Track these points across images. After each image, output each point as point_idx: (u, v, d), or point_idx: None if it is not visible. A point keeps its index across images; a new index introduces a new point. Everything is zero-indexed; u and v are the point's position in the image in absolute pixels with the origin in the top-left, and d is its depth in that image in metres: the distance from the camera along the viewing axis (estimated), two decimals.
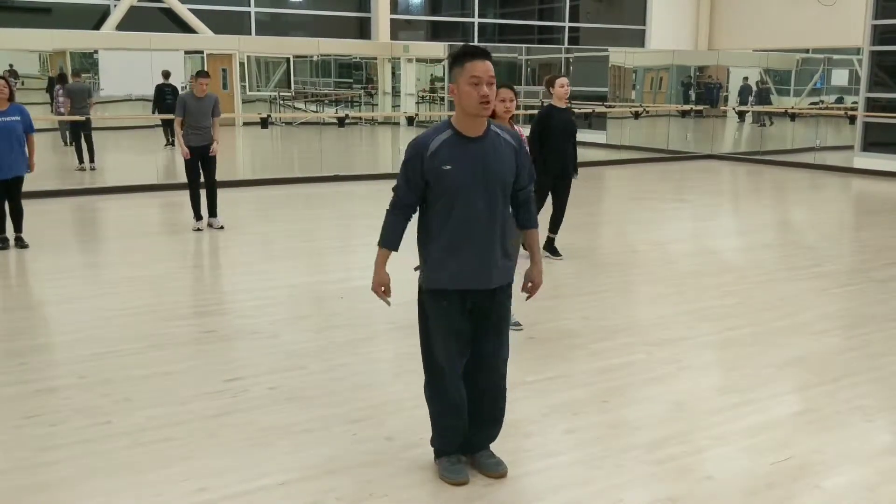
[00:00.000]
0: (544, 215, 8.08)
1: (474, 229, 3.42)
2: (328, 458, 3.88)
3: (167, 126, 15.45)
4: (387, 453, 3.94)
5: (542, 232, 8.09)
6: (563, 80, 7.88)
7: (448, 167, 3.35)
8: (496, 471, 3.68)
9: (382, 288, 3.60)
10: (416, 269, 3.61)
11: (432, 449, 3.78)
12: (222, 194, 9.85)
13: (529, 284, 3.69)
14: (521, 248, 4.58)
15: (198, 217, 9.51)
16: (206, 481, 3.66)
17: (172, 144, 15.80)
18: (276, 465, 3.82)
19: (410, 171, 3.43)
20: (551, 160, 7.75)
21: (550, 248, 8.10)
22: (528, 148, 5.67)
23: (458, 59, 3.37)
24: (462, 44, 3.54)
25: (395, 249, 3.58)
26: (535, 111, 8.87)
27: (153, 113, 15.61)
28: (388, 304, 3.63)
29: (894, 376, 5.05)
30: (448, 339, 3.52)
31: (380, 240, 3.58)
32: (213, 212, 9.61)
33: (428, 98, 20.90)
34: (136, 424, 4.24)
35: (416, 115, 18.89)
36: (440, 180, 3.37)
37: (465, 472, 3.67)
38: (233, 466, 3.81)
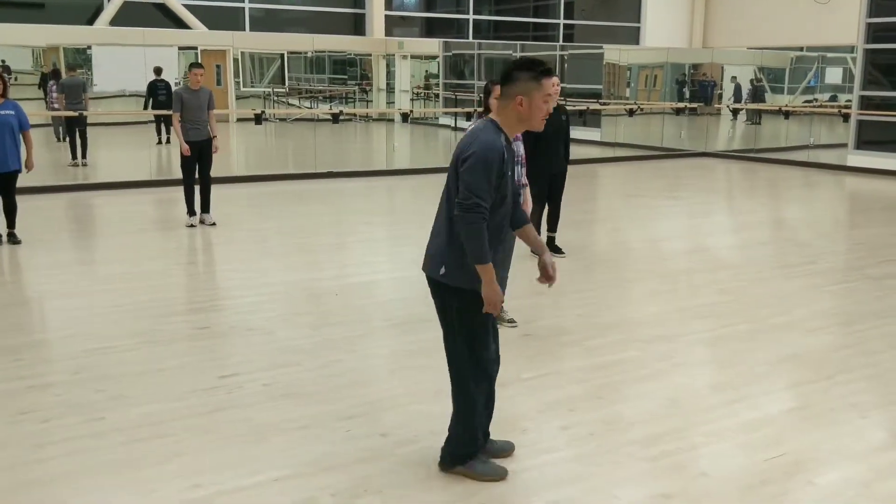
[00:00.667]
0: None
1: (509, 232, 3.54)
2: (323, 455, 3.87)
3: (160, 122, 15.39)
4: (382, 450, 3.94)
5: (542, 233, 8.16)
6: (555, 79, 7.79)
7: (509, 173, 3.42)
8: (512, 448, 3.85)
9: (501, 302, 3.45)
10: (441, 274, 3.46)
11: (444, 455, 3.71)
12: (216, 190, 9.83)
13: (550, 272, 3.61)
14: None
15: (192, 213, 9.49)
16: (200, 478, 3.65)
17: (162, 142, 15.76)
18: (271, 461, 3.82)
19: (493, 174, 3.32)
20: (544, 160, 7.75)
21: (552, 246, 8.11)
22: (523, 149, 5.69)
23: (532, 74, 3.39)
24: (529, 57, 3.49)
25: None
26: None
27: (145, 109, 15.57)
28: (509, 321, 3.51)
29: (889, 373, 5.07)
30: (489, 335, 3.56)
31: (480, 257, 3.30)
32: (206, 208, 9.59)
33: (423, 95, 20.87)
34: (130, 421, 4.23)
35: (411, 111, 18.86)
36: (503, 183, 3.38)
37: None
38: (227, 463, 3.80)
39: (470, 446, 3.67)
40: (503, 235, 3.46)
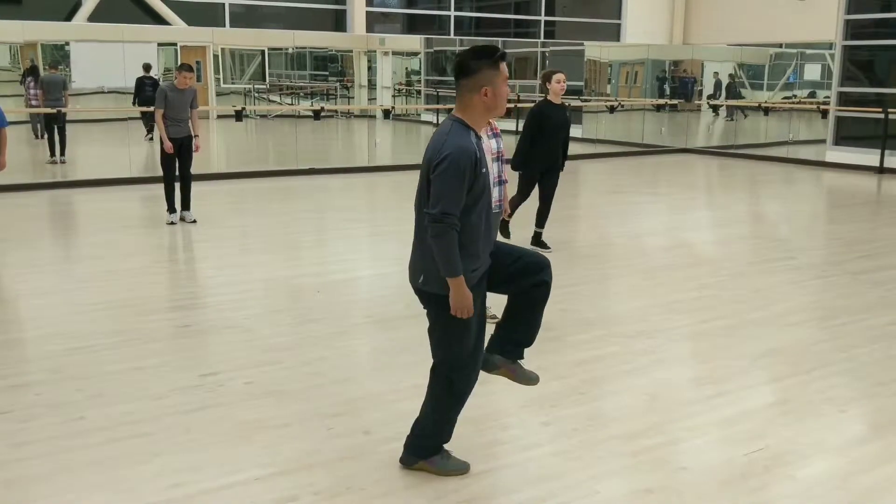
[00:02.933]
0: (531, 208, 8.10)
1: (492, 224, 3.52)
2: (305, 453, 3.87)
3: (146, 118, 15.27)
4: (364, 447, 3.93)
5: (529, 228, 8.17)
6: (561, 76, 7.70)
7: (485, 169, 3.39)
8: (537, 380, 3.77)
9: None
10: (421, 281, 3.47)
11: (408, 450, 3.70)
12: (197, 188, 9.77)
13: None
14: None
15: (171, 210, 9.43)
16: (181, 476, 3.64)
17: (154, 138, 15.64)
18: (253, 459, 3.80)
19: (465, 180, 3.27)
20: (541, 155, 7.75)
21: (538, 242, 8.15)
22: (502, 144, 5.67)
23: (492, 60, 3.34)
24: (479, 45, 3.42)
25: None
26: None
27: (133, 105, 15.47)
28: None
29: (866, 367, 5.12)
30: (472, 335, 3.50)
31: (451, 271, 3.27)
32: (186, 205, 9.54)
33: (404, 91, 20.83)
34: (109, 420, 4.20)
35: (393, 108, 18.82)
36: (477, 183, 3.34)
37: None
38: (209, 461, 3.79)
39: (435, 440, 3.67)
40: (483, 230, 3.43)
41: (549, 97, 7.78)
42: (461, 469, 3.68)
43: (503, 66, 3.37)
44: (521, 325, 3.67)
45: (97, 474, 3.66)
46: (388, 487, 3.57)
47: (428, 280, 3.41)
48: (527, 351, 3.76)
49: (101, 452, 3.86)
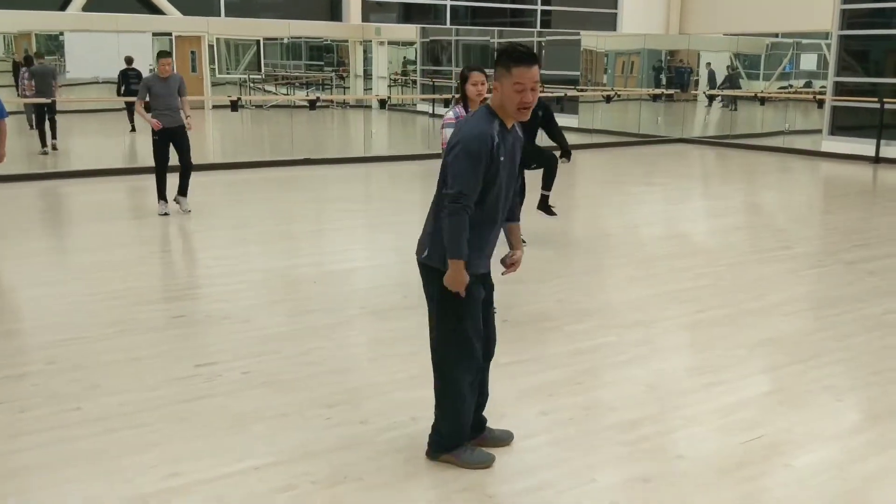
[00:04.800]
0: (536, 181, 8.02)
1: (498, 217, 3.53)
2: (302, 443, 3.86)
3: (132, 111, 15.22)
4: (361, 437, 3.93)
5: (534, 197, 8.03)
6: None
7: (503, 158, 3.40)
8: (511, 438, 3.88)
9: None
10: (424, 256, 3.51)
11: (431, 445, 3.70)
12: (193, 178, 9.72)
13: (515, 266, 3.71)
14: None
15: (163, 199, 9.39)
16: (178, 466, 3.63)
17: (136, 130, 15.58)
18: (250, 449, 3.80)
19: (480, 162, 3.31)
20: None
21: (545, 206, 8.09)
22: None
23: (503, 61, 3.33)
24: (507, 44, 3.43)
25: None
26: None
27: (119, 95, 15.43)
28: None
29: (863, 356, 5.13)
30: (473, 318, 3.53)
31: (455, 252, 3.31)
32: (183, 191, 9.49)
33: (400, 81, 20.78)
34: (106, 410, 4.20)
35: (389, 98, 18.77)
36: (493, 170, 3.36)
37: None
38: (206, 451, 3.78)
39: (454, 438, 3.65)
40: (495, 215, 3.49)
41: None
42: (486, 461, 3.67)
43: (516, 71, 3.29)
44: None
45: (94, 465, 3.66)
46: (386, 477, 3.57)
47: (431, 255, 3.47)
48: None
49: (98, 443, 3.86)
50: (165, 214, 9.30)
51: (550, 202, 8.12)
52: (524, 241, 7.98)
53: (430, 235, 3.50)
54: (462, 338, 3.52)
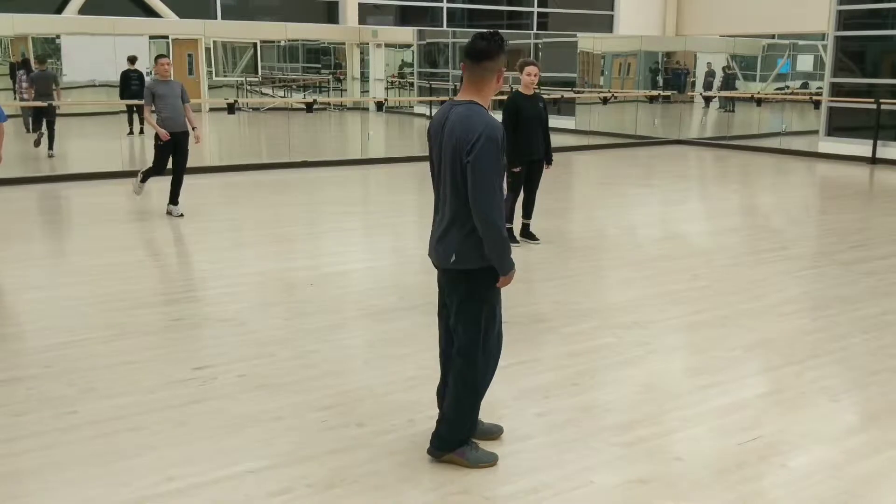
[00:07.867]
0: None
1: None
2: (299, 446, 3.86)
3: (132, 112, 15.21)
4: (358, 440, 3.93)
5: (517, 219, 8.18)
6: (531, 69, 7.72)
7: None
8: (500, 431, 3.95)
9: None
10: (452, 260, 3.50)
11: (434, 444, 3.70)
12: (189, 181, 9.73)
13: None
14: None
15: (144, 180, 9.67)
16: (174, 470, 3.63)
17: (134, 132, 15.57)
18: (246, 453, 3.80)
19: (501, 153, 3.38)
20: (526, 146, 7.75)
21: (527, 233, 8.16)
22: None
23: (503, 46, 3.48)
24: (491, 31, 3.51)
25: None
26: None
27: (121, 98, 15.40)
28: None
29: (859, 357, 5.13)
30: (497, 315, 3.62)
31: (504, 266, 3.43)
32: (174, 199, 9.48)
33: (397, 84, 20.78)
34: (102, 414, 4.19)
35: (386, 100, 18.77)
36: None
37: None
38: (202, 455, 3.78)
39: (464, 431, 3.67)
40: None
41: (520, 89, 7.81)
42: (490, 460, 3.68)
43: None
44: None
45: (90, 468, 3.65)
46: (382, 480, 3.56)
47: (460, 258, 3.45)
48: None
49: (94, 446, 3.85)
50: (137, 194, 9.70)
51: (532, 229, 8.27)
52: (538, 240, 8.08)
53: (456, 241, 3.43)
54: (492, 336, 3.59)
